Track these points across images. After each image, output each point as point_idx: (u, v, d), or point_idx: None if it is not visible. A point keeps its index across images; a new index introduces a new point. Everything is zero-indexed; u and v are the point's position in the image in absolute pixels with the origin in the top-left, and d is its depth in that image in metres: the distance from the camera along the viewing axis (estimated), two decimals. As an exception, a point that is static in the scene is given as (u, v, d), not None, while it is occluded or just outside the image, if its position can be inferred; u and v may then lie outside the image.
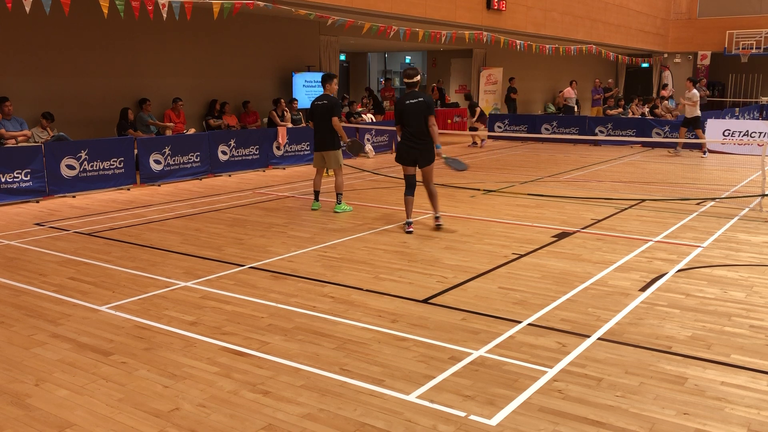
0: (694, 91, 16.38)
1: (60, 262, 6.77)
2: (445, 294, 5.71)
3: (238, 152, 13.28)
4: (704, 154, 16.77)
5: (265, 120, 15.52)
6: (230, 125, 14.47)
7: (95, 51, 12.74)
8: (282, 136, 14.16)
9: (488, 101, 24.21)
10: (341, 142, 9.40)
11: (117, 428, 3.52)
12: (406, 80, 8.08)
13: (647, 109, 22.40)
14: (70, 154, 10.67)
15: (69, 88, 12.44)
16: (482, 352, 4.48)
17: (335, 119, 9.11)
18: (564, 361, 4.34)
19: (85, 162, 10.86)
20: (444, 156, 8.32)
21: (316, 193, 9.60)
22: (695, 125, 16.41)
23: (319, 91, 17.50)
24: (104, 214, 9.21)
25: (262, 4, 12.30)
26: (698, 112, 16.39)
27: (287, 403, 3.79)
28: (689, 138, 16.41)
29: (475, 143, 19.55)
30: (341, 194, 9.36)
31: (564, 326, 4.96)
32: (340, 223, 8.57)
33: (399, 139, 8.20)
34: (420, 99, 7.95)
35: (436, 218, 8.24)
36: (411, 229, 8.01)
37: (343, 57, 24.90)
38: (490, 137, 21.13)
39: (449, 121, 22.09)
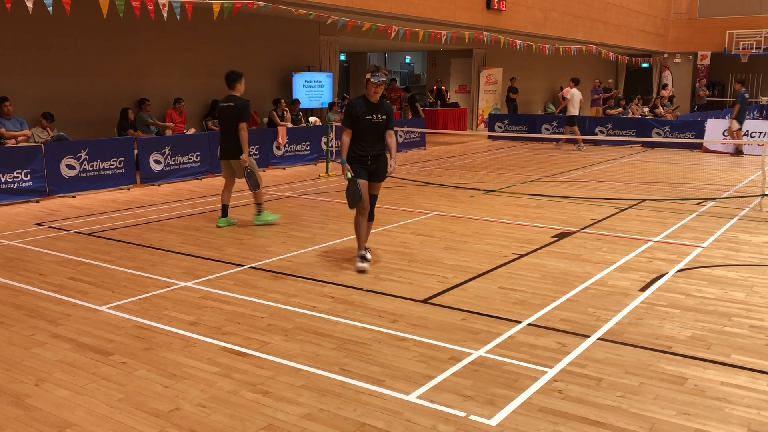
0: (573, 90, 18.09)
1: (60, 262, 6.77)
2: (445, 294, 5.71)
3: (238, 152, 13.26)
4: (579, 147, 18.28)
5: (265, 120, 15.53)
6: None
7: (95, 51, 12.75)
8: (282, 136, 14.16)
9: (488, 101, 24.22)
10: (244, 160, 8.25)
11: (117, 428, 3.52)
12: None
13: (647, 110, 22.42)
14: (70, 154, 10.67)
15: (69, 88, 12.44)
16: (482, 352, 4.48)
17: (242, 126, 8.20)
18: (564, 361, 4.34)
19: (85, 162, 10.85)
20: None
21: (224, 208, 8.43)
22: (571, 123, 18.30)
23: (319, 91, 17.70)
24: (104, 214, 9.21)
25: (262, 4, 12.31)
26: (576, 111, 18.26)
27: (287, 403, 3.79)
28: (571, 134, 18.33)
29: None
30: (261, 204, 8.47)
31: (564, 326, 4.96)
32: (340, 223, 8.57)
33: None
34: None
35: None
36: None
37: (343, 57, 24.91)
38: (489, 137, 21.15)
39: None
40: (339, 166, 13.91)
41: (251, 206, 9.99)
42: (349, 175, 6.31)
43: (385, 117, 6.42)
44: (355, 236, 6.68)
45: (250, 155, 8.53)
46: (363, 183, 6.35)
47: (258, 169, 8.46)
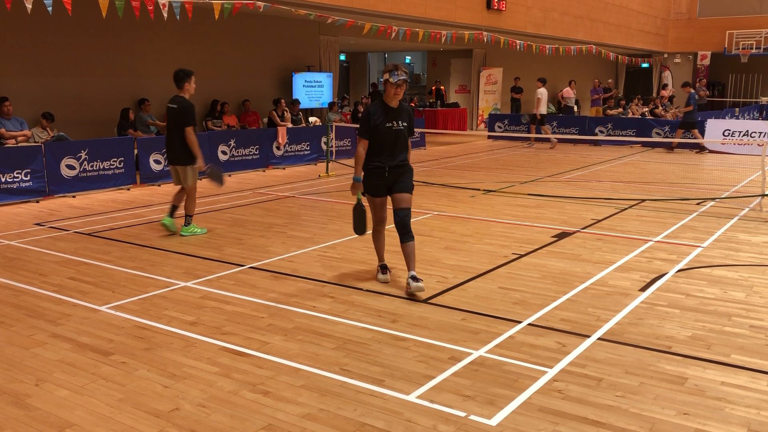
0: (541, 90, 18.53)
1: (60, 262, 6.76)
2: (445, 294, 5.71)
3: (238, 152, 13.28)
4: (552, 146, 18.78)
5: (265, 120, 15.53)
6: (230, 125, 14.47)
7: (95, 51, 12.75)
8: (282, 136, 14.16)
9: (488, 101, 24.22)
10: (196, 162, 7.75)
11: (117, 428, 3.52)
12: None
13: (647, 110, 22.41)
14: (70, 154, 10.67)
15: (69, 88, 12.44)
16: (482, 352, 4.48)
17: (189, 130, 7.53)
18: (564, 361, 4.34)
19: (85, 162, 10.85)
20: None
21: (173, 208, 7.95)
22: (541, 122, 18.90)
23: (319, 91, 17.70)
24: (104, 214, 9.21)
25: (262, 4, 12.31)
26: (545, 110, 18.82)
27: (287, 403, 3.79)
28: (539, 133, 19.02)
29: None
30: (191, 216, 7.94)
31: (564, 326, 4.96)
32: (340, 223, 8.57)
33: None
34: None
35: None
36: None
37: (343, 57, 24.91)
38: (489, 137, 21.16)
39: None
40: (339, 166, 13.95)
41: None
42: (359, 196, 5.75)
43: (406, 124, 5.69)
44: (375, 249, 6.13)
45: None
46: (382, 201, 5.82)
47: (196, 180, 7.89)
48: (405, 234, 5.67)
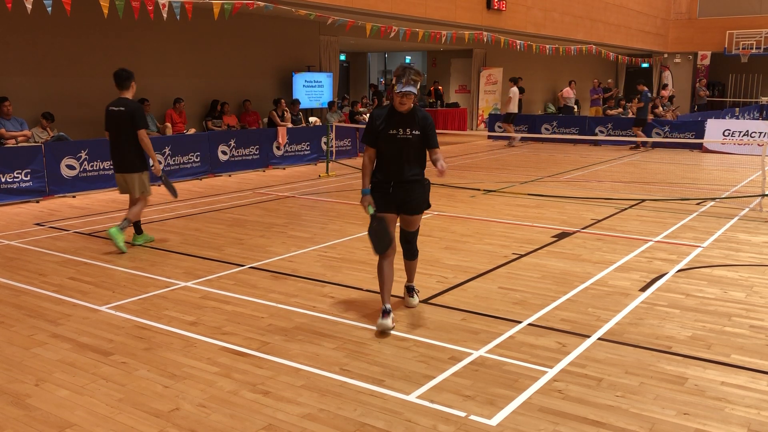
0: (513, 89, 19.10)
1: (60, 262, 6.76)
2: (445, 294, 5.71)
3: (238, 152, 13.28)
4: (510, 143, 19.72)
5: (265, 120, 15.53)
6: (230, 125, 14.47)
7: (95, 51, 12.74)
8: (282, 136, 14.16)
9: (488, 101, 24.21)
10: (151, 166, 7.29)
11: (117, 428, 3.52)
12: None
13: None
14: (70, 154, 10.67)
15: (69, 88, 12.43)
16: (482, 352, 4.48)
17: (143, 133, 7.10)
18: (564, 361, 4.34)
19: (85, 162, 10.85)
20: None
21: (136, 224, 7.40)
22: (508, 120, 19.34)
23: (319, 91, 17.69)
24: (104, 214, 9.21)
25: (262, 4, 12.30)
26: (515, 109, 19.21)
27: (287, 403, 3.79)
28: (503, 132, 19.55)
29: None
30: (138, 222, 7.43)
31: (564, 326, 4.96)
32: (340, 223, 8.57)
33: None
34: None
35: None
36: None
37: (343, 57, 24.91)
38: (489, 137, 21.15)
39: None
40: (339, 166, 13.96)
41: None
42: (371, 210, 4.95)
43: (418, 132, 4.90)
44: (378, 283, 5.11)
45: (148, 167, 7.40)
46: (390, 218, 5.04)
47: (148, 189, 7.39)
48: (410, 253, 5.33)
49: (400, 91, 4.79)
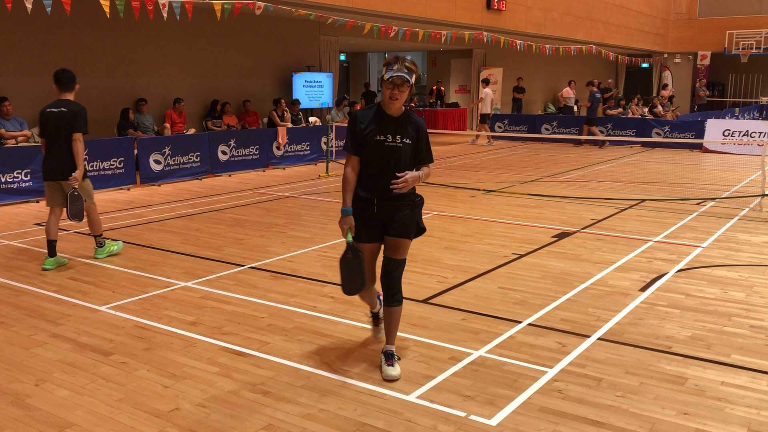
0: (486, 90, 19.69)
1: (60, 262, 6.76)
2: (445, 294, 5.71)
3: (238, 152, 13.28)
4: (473, 142, 20.27)
5: (265, 120, 15.53)
6: (230, 125, 14.47)
7: (95, 51, 12.74)
8: (282, 136, 14.16)
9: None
10: (71, 175, 6.52)
11: (117, 428, 3.52)
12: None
13: (646, 110, 22.41)
14: (70, 154, 10.65)
15: (69, 88, 12.42)
16: (482, 352, 4.48)
17: (78, 137, 6.46)
18: (564, 361, 4.34)
19: (85, 162, 10.81)
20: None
21: (51, 244, 6.53)
22: (485, 121, 19.92)
23: (319, 91, 17.68)
24: (104, 214, 9.20)
25: (262, 4, 12.31)
26: (489, 110, 19.86)
27: (287, 403, 3.79)
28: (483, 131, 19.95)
29: None
30: (100, 235, 6.93)
31: (564, 326, 4.96)
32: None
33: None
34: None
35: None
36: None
37: (343, 57, 24.90)
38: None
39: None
40: (339, 166, 13.94)
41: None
42: (350, 238, 4.07)
43: (409, 141, 4.02)
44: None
45: (86, 175, 6.83)
46: (371, 251, 4.19)
47: (92, 196, 6.90)
48: (390, 296, 4.14)
49: (392, 77, 3.88)
